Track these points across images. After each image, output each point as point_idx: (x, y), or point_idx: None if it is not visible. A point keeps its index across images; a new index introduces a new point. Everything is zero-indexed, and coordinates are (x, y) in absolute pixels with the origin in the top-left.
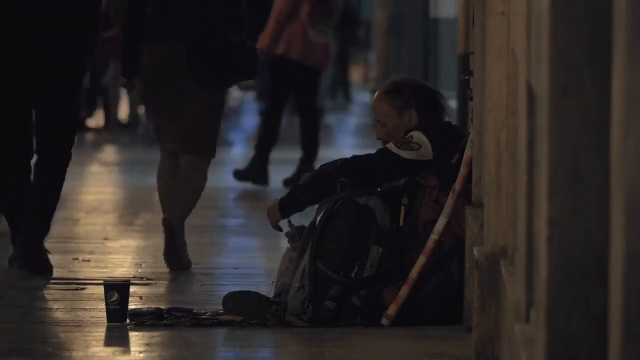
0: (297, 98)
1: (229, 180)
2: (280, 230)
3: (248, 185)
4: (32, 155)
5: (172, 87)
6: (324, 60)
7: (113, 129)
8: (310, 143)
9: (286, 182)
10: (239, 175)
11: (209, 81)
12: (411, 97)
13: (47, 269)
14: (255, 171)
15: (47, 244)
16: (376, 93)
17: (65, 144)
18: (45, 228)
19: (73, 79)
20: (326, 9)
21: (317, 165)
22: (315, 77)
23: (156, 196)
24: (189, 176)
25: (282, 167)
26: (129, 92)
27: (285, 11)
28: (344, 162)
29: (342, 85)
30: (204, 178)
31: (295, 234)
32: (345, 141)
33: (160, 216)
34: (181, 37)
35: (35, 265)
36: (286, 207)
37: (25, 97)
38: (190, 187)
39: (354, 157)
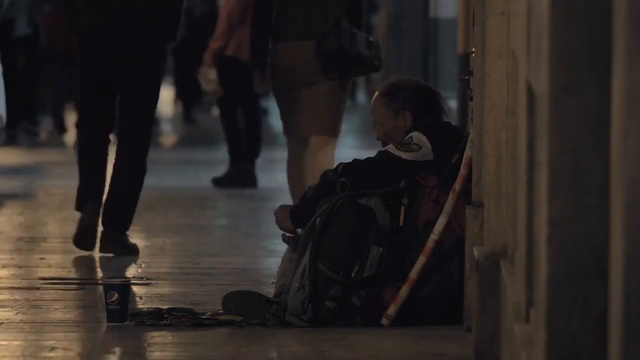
0: (243, 99)
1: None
2: (295, 235)
3: (247, 186)
4: (111, 130)
5: (302, 79)
6: None
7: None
8: (251, 143)
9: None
10: (218, 182)
11: (337, 74)
12: (407, 99)
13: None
14: (236, 174)
15: (48, 244)
16: (375, 94)
17: (142, 132)
18: (125, 220)
19: (153, 69)
20: None
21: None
22: None
23: (156, 196)
24: (320, 156)
25: (270, 167)
26: (260, 86)
27: (236, 12)
28: (345, 167)
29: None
30: (333, 156)
31: (291, 239)
32: (346, 141)
33: (160, 216)
34: (311, 33)
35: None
36: (296, 217)
37: (110, 82)
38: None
39: (355, 162)
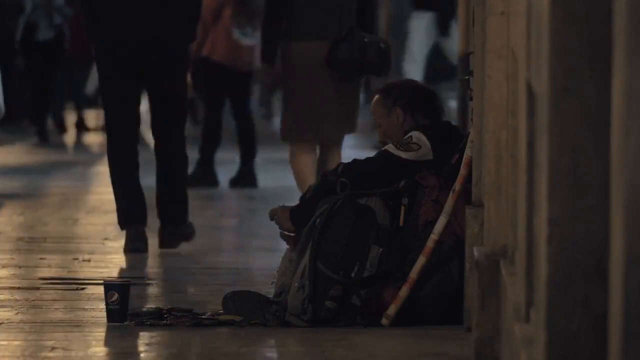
0: (230, 101)
1: (228, 181)
2: (294, 237)
3: (247, 186)
4: (139, 140)
5: (315, 80)
6: (250, 62)
7: None
8: (246, 145)
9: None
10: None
11: (346, 76)
12: (398, 97)
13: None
14: (202, 174)
15: (48, 244)
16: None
17: (177, 127)
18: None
19: (177, 66)
20: (247, 12)
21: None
22: (244, 79)
23: (155, 196)
24: (331, 159)
25: (270, 167)
26: (268, 77)
27: (209, 12)
28: (345, 167)
29: None
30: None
31: (291, 239)
32: (346, 141)
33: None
34: (327, 36)
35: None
36: (297, 218)
37: (134, 84)
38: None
39: (355, 162)
